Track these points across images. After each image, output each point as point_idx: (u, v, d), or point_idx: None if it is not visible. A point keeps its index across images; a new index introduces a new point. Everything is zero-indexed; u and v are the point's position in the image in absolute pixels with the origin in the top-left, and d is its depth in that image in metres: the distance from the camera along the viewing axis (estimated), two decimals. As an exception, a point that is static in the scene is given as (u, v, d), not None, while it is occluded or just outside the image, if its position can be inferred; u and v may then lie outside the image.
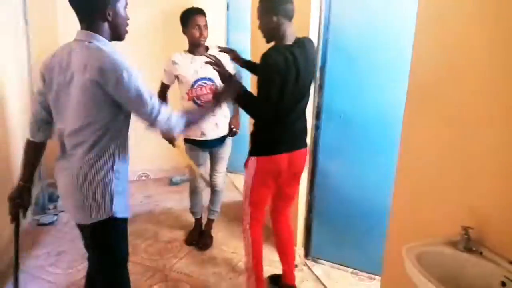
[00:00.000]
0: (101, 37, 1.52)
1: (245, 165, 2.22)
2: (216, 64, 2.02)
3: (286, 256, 2.45)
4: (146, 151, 4.30)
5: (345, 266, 2.71)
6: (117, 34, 1.58)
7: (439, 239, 1.43)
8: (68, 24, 3.65)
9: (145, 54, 4.08)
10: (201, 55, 2.66)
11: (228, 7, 4.44)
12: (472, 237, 1.36)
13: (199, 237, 3.03)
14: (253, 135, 2.19)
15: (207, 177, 2.97)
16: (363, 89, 2.48)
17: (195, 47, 2.74)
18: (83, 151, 1.51)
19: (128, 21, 1.62)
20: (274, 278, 2.54)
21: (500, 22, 1.32)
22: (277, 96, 1.96)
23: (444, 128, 1.57)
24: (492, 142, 1.35)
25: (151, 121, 1.53)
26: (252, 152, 2.18)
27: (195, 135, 2.76)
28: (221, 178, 2.99)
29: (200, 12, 2.69)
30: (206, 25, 2.71)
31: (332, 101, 2.60)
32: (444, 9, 1.55)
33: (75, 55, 1.48)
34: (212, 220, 3.09)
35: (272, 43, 2.09)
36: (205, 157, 2.93)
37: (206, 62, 2.05)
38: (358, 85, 2.49)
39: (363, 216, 2.58)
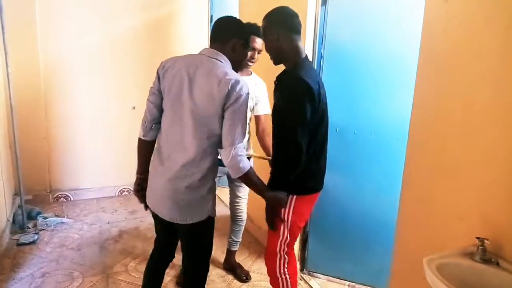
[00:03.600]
0: (226, 58, 1.72)
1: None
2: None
3: None
4: (128, 166, 4.19)
5: (341, 279, 2.71)
6: (233, 64, 1.76)
7: (455, 251, 1.45)
8: (47, 34, 3.62)
9: (130, 63, 4.04)
10: (242, 75, 2.33)
11: (211, 19, 4.44)
12: (488, 248, 1.39)
13: (234, 272, 2.82)
14: (285, 170, 1.79)
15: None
16: (358, 103, 2.52)
17: (240, 66, 2.09)
18: (201, 157, 1.67)
19: (247, 60, 1.97)
20: None
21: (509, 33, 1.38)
22: (318, 125, 1.78)
23: (453, 139, 1.60)
24: (506, 151, 1.39)
25: (231, 144, 1.63)
26: (287, 189, 1.82)
27: None
28: (244, 205, 2.73)
29: (259, 32, 2.19)
30: (261, 51, 2.37)
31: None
32: (450, 25, 1.61)
33: (206, 66, 1.65)
34: (235, 251, 2.86)
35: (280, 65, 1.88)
36: (220, 173, 2.29)
37: None
38: (353, 99, 2.53)
39: (359, 228, 2.60)
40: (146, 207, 1.89)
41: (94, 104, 3.97)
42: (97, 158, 4.07)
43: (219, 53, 1.70)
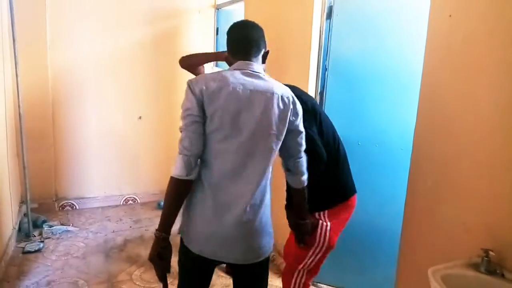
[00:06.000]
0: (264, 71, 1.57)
1: None
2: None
3: None
4: (133, 175, 4.25)
5: (345, 289, 2.72)
6: None
7: (460, 262, 1.47)
8: (57, 45, 3.68)
9: (137, 74, 4.08)
10: None
11: (217, 31, 4.50)
12: (493, 259, 1.41)
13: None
14: (317, 187, 1.78)
15: None
16: (362, 114, 2.55)
17: None
18: (266, 183, 1.53)
19: None
20: None
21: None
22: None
23: (457, 150, 1.63)
24: (510, 163, 1.41)
25: (303, 154, 1.60)
26: (318, 207, 1.86)
27: None
28: None
29: None
30: None
31: (332, 125, 2.65)
32: (454, 39, 1.64)
33: (255, 84, 1.47)
34: None
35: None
36: None
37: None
38: (357, 110, 2.56)
39: (363, 239, 2.60)
40: (165, 283, 1.51)
41: (101, 114, 4.02)
42: (103, 167, 4.10)
43: (257, 65, 1.53)
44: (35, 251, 3.12)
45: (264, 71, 1.57)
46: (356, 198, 1.98)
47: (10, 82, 3.29)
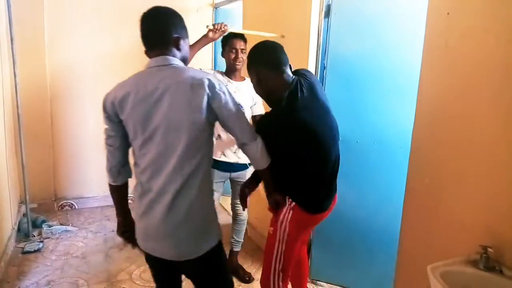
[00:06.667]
0: (177, 59, 1.50)
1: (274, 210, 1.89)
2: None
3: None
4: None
5: (344, 287, 2.72)
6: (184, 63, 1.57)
7: (459, 259, 1.47)
8: (55, 45, 3.68)
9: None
10: (236, 81, 2.65)
11: (215, 30, 4.49)
12: (491, 256, 1.41)
13: (237, 274, 2.83)
14: (293, 184, 1.84)
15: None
16: (361, 112, 2.55)
17: (231, 71, 2.64)
18: (193, 176, 1.46)
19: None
20: None
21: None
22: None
23: (455, 149, 1.63)
24: (508, 161, 1.42)
25: (254, 137, 1.55)
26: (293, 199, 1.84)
27: (214, 155, 2.48)
28: None
29: (239, 36, 2.61)
30: (244, 50, 2.59)
31: (331, 124, 2.65)
32: (451, 37, 1.65)
33: (162, 77, 1.43)
34: (238, 252, 2.93)
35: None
36: (222, 178, 2.69)
37: None
38: (356, 109, 2.56)
39: (362, 236, 2.62)
40: (135, 245, 1.65)
41: (100, 114, 3.99)
42: (102, 167, 3.99)
43: (167, 57, 1.48)
44: (35, 251, 3.12)
45: (184, 59, 1.54)
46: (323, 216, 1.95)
47: (9, 81, 3.28)
